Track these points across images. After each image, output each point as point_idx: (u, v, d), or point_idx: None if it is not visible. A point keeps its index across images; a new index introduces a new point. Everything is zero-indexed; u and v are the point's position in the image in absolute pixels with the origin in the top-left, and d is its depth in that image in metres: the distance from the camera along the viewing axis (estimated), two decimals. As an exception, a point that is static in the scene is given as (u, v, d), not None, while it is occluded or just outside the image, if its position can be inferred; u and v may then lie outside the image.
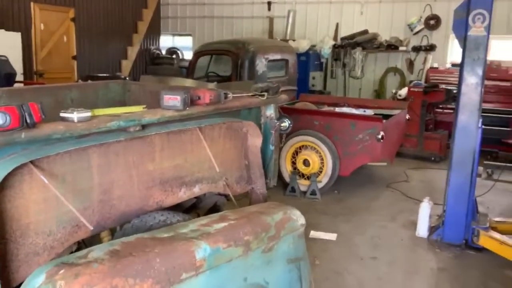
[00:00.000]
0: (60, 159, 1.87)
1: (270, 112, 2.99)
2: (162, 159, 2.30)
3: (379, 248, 4.53)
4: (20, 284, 1.58)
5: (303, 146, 6.07)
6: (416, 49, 10.70)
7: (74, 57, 10.56)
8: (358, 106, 6.92)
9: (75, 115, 1.84)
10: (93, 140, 1.90)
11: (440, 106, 8.53)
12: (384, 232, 4.91)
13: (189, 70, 8.24)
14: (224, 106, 2.53)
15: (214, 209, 2.92)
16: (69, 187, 1.91)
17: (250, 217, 2.08)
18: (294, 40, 11.23)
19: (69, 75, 10.31)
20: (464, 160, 4.38)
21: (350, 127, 5.83)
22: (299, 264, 2.21)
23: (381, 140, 5.62)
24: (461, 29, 4.31)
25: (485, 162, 6.33)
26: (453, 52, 10.66)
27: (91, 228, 2.00)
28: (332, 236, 4.71)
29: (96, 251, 1.65)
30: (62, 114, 1.86)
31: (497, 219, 4.68)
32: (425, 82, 9.03)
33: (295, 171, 6.07)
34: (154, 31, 13.32)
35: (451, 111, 7.94)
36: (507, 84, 8.22)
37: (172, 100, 2.20)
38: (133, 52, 12.45)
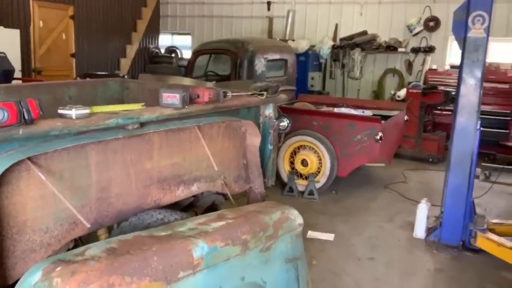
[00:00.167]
0: (58, 156, 1.86)
1: (269, 111, 2.98)
2: (160, 157, 2.29)
3: (377, 248, 4.53)
4: (17, 281, 1.58)
5: (301, 146, 6.07)
6: (415, 51, 10.72)
7: (72, 55, 10.54)
8: (356, 107, 6.92)
9: (73, 112, 1.83)
10: (91, 138, 1.89)
11: (439, 107, 8.54)
12: (381, 233, 4.91)
13: (188, 69, 8.23)
14: (223, 105, 2.52)
15: (212, 208, 2.91)
16: (66, 184, 1.90)
17: (248, 216, 2.08)
18: (293, 40, 11.23)
19: (67, 72, 10.29)
20: (462, 162, 4.38)
21: (348, 127, 5.83)
22: (296, 264, 2.21)
23: (380, 141, 5.62)
24: (461, 30, 4.31)
25: (483, 164, 6.35)
26: (452, 54, 10.68)
27: (88, 225, 2.00)
28: (330, 237, 4.71)
29: (93, 249, 1.65)
30: (60, 111, 1.84)
31: (494, 221, 4.68)
32: (424, 83, 9.03)
33: (293, 171, 6.07)
34: (153, 29, 13.31)
35: (450, 112, 7.96)
36: (506, 86, 8.22)
37: (171, 98, 2.19)
38: (132, 50, 12.44)
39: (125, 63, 12.19)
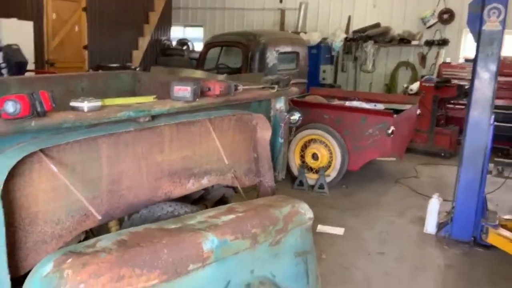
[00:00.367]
0: (70, 148, 1.87)
1: (280, 104, 2.97)
2: (171, 150, 2.30)
3: (387, 243, 4.51)
4: (28, 272, 1.60)
5: (312, 139, 6.05)
6: (429, 44, 10.60)
7: (85, 47, 10.58)
8: (368, 100, 6.87)
9: (85, 105, 1.83)
10: (103, 130, 1.90)
11: (452, 101, 8.44)
12: (392, 228, 4.89)
13: (199, 61, 8.24)
14: (234, 98, 2.51)
15: (222, 201, 2.92)
16: (78, 176, 1.91)
17: (258, 210, 2.08)
18: (305, 33, 11.17)
19: (80, 64, 10.34)
20: (475, 157, 4.33)
21: (360, 121, 5.80)
22: (306, 257, 2.21)
23: (391, 135, 5.58)
24: (476, 23, 4.25)
25: (496, 159, 6.26)
26: (466, 47, 10.54)
27: (100, 217, 2.01)
28: (340, 231, 4.70)
29: (104, 241, 1.66)
30: (72, 103, 1.85)
31: (506, 216, 4.63)
32: (437, 77, 8.93)
33: (304, 165, 6.05)
34: (165, 22, 13.29)
35: (463, 106, 7.87)
36: (521, 80, 8.11)
37: (182, 91, 2.19)
38: (144, 42, 12.45)
39: (137, 55, 12.21)
